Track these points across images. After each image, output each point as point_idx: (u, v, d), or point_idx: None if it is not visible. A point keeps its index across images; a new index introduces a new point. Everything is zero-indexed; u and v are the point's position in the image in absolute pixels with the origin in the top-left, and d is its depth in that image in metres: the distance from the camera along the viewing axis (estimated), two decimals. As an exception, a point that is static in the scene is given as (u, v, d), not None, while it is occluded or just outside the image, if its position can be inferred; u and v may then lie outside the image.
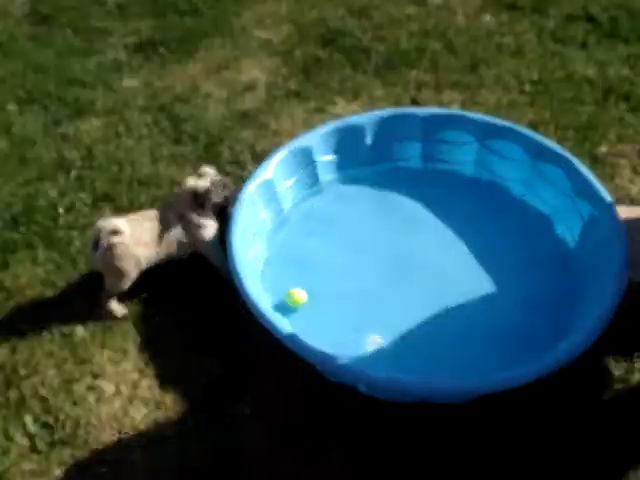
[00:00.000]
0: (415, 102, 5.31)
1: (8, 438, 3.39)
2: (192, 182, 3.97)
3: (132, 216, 3.94)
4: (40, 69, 5.86)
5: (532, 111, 5.19)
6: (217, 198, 3.98)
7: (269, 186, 4.21)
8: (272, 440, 3.38)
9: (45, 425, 3.44)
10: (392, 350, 3.66)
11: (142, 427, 3.42)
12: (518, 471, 3.25)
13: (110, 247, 3.74)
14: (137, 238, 3.80)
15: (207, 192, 3.93)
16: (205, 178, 4.00)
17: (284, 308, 3.78)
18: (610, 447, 3.30)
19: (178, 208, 3.93)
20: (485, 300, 3.89)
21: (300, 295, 3.82)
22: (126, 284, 3.87)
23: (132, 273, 3.85)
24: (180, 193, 4.00)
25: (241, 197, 4.02)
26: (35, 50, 6.14)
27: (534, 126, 4.95)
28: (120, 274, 3.82)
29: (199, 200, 3.93)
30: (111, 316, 3.86)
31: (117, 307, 3.88)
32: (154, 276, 3.98)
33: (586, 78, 5.48)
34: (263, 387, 3.59)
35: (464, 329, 3.75)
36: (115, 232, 3.74)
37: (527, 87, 5.43)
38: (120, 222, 3.79)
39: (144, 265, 3.88)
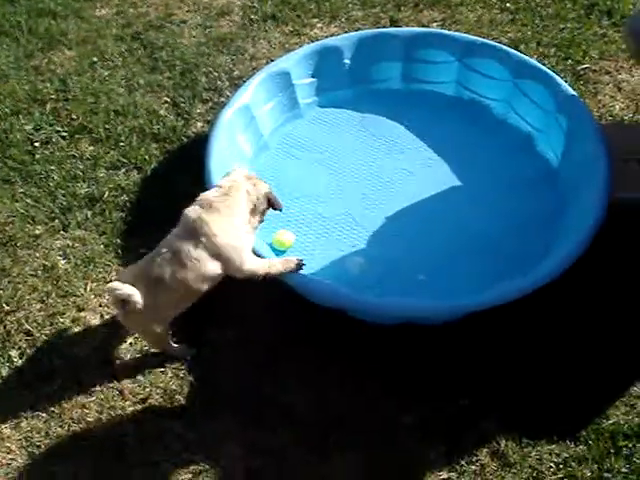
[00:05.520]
0: (394, 22, 5.21)
1: (-5, 374, 3.40)
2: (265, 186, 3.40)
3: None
4: (8, 1, 5.67)
5: (513, 28, 5.11)
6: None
7: (247, 111, 4.13)
8: (254, 364, 3.41)
9: (32, 359, 3.44)
10: (376, 272, 3.66)
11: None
12: (511, 383, 3.31)
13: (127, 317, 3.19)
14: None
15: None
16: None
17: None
18: (601, 360, 3.38)
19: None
20: (469, 219, 3.89)
21: (287, 238, 3.75)
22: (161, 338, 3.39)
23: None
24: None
25: (219, 123, 3.95)
26: (2, -19, 5.95)
27: (515, 44, 4.89)
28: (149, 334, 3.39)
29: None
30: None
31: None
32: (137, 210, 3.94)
33: (568, -7, 5.39)
34: (245, 311, 3.59)
35: (449, 249, 3.76)
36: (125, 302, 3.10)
37: (508, 4, 5.33)
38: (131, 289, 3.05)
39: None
